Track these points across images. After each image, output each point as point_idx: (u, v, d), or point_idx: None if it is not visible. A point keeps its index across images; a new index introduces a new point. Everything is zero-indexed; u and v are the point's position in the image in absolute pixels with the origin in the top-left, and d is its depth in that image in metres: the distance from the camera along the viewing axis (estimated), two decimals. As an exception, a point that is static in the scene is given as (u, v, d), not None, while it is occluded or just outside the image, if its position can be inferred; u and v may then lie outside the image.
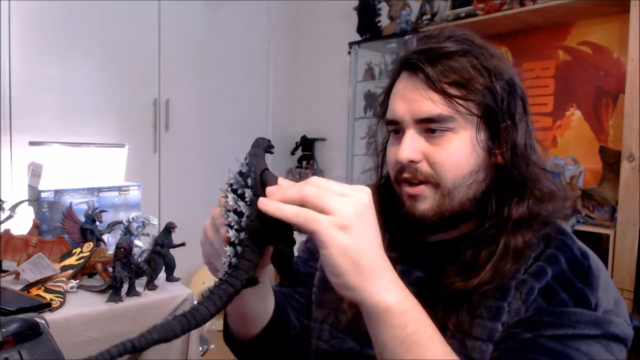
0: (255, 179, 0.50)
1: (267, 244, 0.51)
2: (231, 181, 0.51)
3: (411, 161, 0.69)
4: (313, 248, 0.89)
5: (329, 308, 0.79)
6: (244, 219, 0.50)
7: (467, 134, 0.68)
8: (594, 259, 0.68)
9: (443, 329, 0.66)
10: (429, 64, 0.68)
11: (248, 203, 0.50)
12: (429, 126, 0.68)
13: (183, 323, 0.46)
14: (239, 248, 0.49)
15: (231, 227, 0.50)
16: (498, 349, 0.64)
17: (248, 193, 0.50)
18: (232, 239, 0.50)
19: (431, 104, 0.67)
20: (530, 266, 0.67)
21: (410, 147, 0.68)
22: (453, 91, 0.67)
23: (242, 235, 0.50)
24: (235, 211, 0.50)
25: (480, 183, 0.70)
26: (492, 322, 0.65)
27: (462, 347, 0.65)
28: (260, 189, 0.50)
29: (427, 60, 0.68)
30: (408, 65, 0.71)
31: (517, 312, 0.65)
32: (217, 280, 0.49)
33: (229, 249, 0.50)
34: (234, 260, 0.49)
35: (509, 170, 0.70)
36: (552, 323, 0.62)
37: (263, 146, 0.53)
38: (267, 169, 0.52)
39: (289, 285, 0.51)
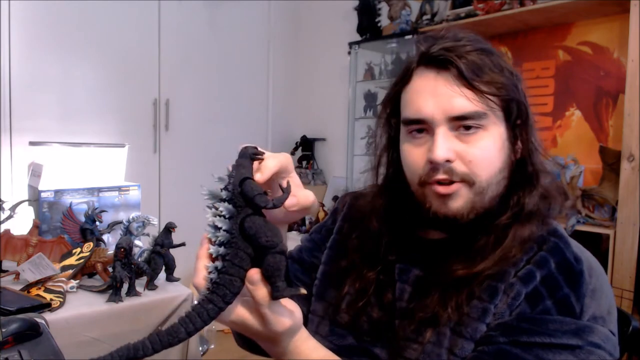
0: (233, 191, 0.49)
1: (254, 256, 0.50)
2: (205, 197, 0.50)
3: (447, 160, 0.67)
4: (318, 239, 0.90)
5: (329, 303, 0.80)
6: (221, 232, 0.48)
7: (497, 130, 0.68)
8: (590, 264, 0.68)
9: (434, 319, 0.67)
10: (460, 60, 0.67)
11: (227, 216, 0.49)
12: (463, 123, 0.67)
13: (155, 343, 0.45)
14: (218, 263, 0.48)
15: (213, 243, 0.49)
16: (475, 350, 0.65)
17: (223, 206, 0.49)
18: (213, 255, 0.48)
19: (465, 101, 0.66)
20: (520, 269, 0.67)
21: (446, 146, 0.66)
22: (484, 88, 0.66)
23: (222, 250, 0.48)
24: (214, 227, 0.49)
25: (505, 179, 0.71)
26: (477, 322, 0.65)
27: (450, 341, 0.66)
28: (240, 200, 0.49)
29: (457, 56, 0.67)
30: (434, 61, 0.69)
31: (501, 315, 0.65)
32: (199, 297, 0.48)
33: (209, 265, 0.49)
34: (213, 275, 0.48)
35: (525, 164, 0.71)
36: (528, 330, 0.62)
37: (247, 155, 0.52)
38: (249, 178, 0.50)
39: (284, 297, 0.50)
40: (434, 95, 0.67)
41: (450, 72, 0.67)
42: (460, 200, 0.68)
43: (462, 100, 0.66)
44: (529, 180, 0.71)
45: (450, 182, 0.68)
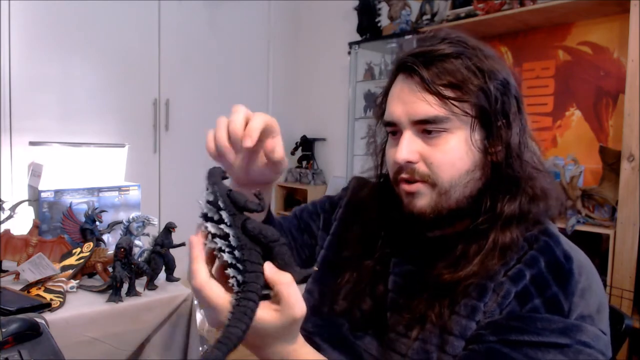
0: (225, 201, 0.52)
1: (262, 252, 0.52)
2: (204, 211, 0.53)
3: (408, 162, 0.71)
4: (320, 209, 0.95)
5: (326, 288, 0.82)
6: (232, 238, 0.51)
7: (463, 134, 0.70)
8: (580, 262, 0.68)
9: (423, 318, 0.69)
10: (424, 67, 0.69)
11: (229, 224, 0.51)
12: (426, 127, 0.70)
13: (222, 349, 0.46)
14: (239, 265, 0.50)
15: (223, 251, 0.51)
16: (466, 348, 0.66)
17: (224, 214, 0.51)
18: (229, 261, 0.50)
19: (427, 106, 0.69)
20: (510, 268, 0.67)
21: (408, 148, 0.70)
22: (448, 93, 0.68)
23: (237, 253, 0.50)
24: (220, 236, 0.51)
25: (477, 181, 0.72)
26: (467, 320, 0.67)
27: (439, 339, 0.68)
28: (233, 208, 0.52)
29: (422, 63, 0.69)
30: (404, 68, 0.72)
31: (491, 314, 0.66)
32: (233, 301, 0.50)
33: (230, 271, 0.50)
34: (240, 277, 0.50)
35: (503, 168, 0.71)
36: (517, 328, 0.63)
37: (218, 173, 0.56)
38: (231, 190, 0.54)
39: (303, 276, 0.53)
40: (401, 100, 0.72)
41: (414, 78, 0.70)
42: (423, 199, 0.72)
43: (424, 105, 0.69)
44: (508, 185, 0.71)
45: (414, 181, 0.72)
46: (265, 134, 0.64)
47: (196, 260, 0.51)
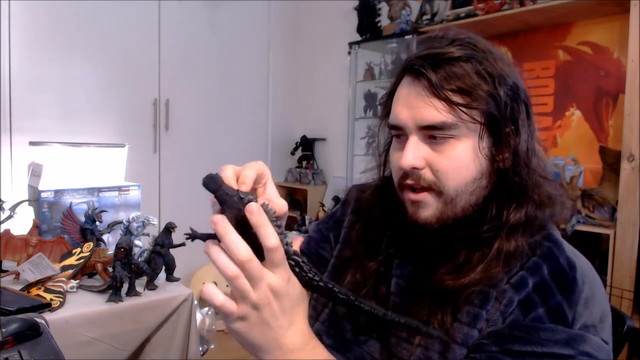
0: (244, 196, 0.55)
1: None
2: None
3: (414, 168, 0.69)
4: (325, 229, 0.92)
5: None
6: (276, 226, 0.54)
7: (470, 141, 0.68)
8: (584, 270, 0.67)
9: (425, 324, 0.67)
10: (432, 70, 0.67)
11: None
12: (432, 133, 0.68)
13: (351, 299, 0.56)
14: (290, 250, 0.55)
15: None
16: (468, 356, 0.65)
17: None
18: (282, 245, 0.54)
19: (434, 111, 0.66)
20: (513, 275, 0.67)
21: (413, 154, 0.68)
22: (456, 98, 0.66)
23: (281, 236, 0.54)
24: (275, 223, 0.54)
25: (483, 189, 0.70)
26: (469, 328, 0.66)
27: (441, 346, 0.67)
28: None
29: (431, 66, 0.67)
30: (411, 70, 0.70)
31: (494, 322, 0.65)
32: (304, 268, 0.55)
33: (292, 252, 0.55)
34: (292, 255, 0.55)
35: (510, 176, 0.70)
36: (521, 338, 0.62)
37: (219, 179, 0.56)
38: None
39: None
40: (407, 104, 0.69)
41: (422, 82, 0.68)
42: (429, 209, 0.70)
43: (431, 111, 0.66)
44: (515, 193, 0.70)
45: (420, 189, 0.70)
46: (256, 182, 0.59)
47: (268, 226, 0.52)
